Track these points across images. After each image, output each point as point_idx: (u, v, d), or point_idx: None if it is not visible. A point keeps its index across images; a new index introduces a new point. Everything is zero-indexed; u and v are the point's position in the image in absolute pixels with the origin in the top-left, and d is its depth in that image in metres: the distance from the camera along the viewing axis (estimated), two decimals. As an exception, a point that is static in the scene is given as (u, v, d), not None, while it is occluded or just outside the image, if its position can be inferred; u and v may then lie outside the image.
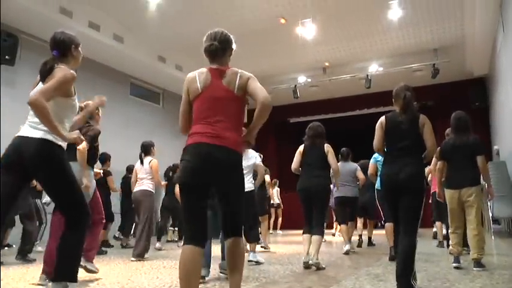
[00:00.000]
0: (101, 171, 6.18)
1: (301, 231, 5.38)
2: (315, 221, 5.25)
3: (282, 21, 10.68)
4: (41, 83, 3.05)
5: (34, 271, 4.93)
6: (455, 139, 4.73)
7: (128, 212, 8.61)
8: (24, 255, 5.93)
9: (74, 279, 2.96)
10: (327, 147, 5.32)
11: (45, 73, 3.03)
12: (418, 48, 12.55)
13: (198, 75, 2.67)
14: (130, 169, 8.87)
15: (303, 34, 10.92)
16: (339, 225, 7.11)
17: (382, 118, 3.74)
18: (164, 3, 9.69)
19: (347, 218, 7.13)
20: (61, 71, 2.98)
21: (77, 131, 3.14)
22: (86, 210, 3.05)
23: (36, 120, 2.89)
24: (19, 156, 2.90)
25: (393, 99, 3.76)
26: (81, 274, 4.48)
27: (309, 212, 5.26)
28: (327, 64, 13.66)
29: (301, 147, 5.49)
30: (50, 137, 2.90)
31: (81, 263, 4.11)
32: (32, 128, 2.94)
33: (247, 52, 11.39)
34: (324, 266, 5.01)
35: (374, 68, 13.44)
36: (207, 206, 2.61)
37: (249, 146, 2.79)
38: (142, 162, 6.67)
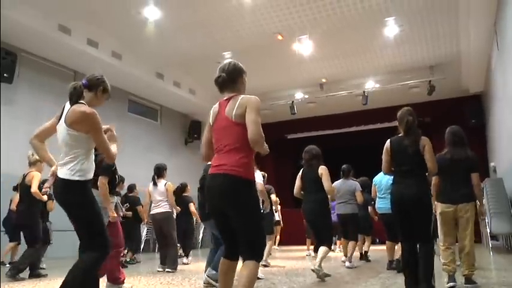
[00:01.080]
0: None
1: (299, 247, 5.53)
2: (321, 237, 5.64)
3: (279, 37, 10.79)
4: (61, 119, 3.17)
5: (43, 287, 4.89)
6: (453, 154, 4.68)
7: (130, 230, 8.53)
8: (15, 273, 5.87)
9: None
10: (321, 169, 5.48)
11: (74, 99, 3.19)
12: (414, 65, 12.68)
13: (213, 109, 2.93)
14: (131, 188, 8.92)
15: (300, 50, 11.02)
16: (339, 240, 7.20)
17: (388, 143, 4.09)
18: (162, 21, 9.79)
19: (347, 234, 7.25)
20: (90, 117, 3.07)
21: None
22: (105, 244, 3.08)
23: (62, 156, 3.07)
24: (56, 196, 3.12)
25: (398, 123, 4.08)
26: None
27: (315, 233, 5.77)
28: (324, 80, 13.76)
29: (300, 172, 5.82)
30: (68, 176, 2.99)
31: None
32: (59, 167, 3.08)
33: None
34: (328, 273, 5.33)
35: (371, 85, 13.53)
36: (229, 227, 2.76)
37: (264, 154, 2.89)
38: (155, 184, 6.97)
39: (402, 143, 3.93)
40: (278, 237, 14.08)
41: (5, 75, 9.03)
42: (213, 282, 4.61)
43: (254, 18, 9.98)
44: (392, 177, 5.95)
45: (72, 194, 3.00)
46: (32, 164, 6.19)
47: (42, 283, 5.47)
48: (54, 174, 3.13)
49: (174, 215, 8.81)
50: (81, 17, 9.75)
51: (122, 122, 12.52)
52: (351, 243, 7.22)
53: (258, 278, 5.49)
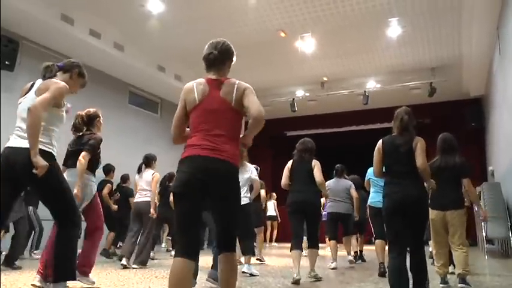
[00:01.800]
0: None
1: None
2: (309, 235, 5.35)
3: (282, 34, 10.78)
4: (31, 91, 3.19)
5: (26, 278, 4.91)
6: (441, 161, 4.70)
7: (124, 221, 8.53)
8: (11, 261, 5.86)
9: (73, 277, 3.18)
10: (315, 162, 5.38)
11: (48, 76, 3.23)
12: (415, 67, 12.68)
13: (195, 85, 2.65)
14: (124, 178, 8.90)
15: (302, 48, 11.01)
16: (329, 240, 7.11)
17: (379, 142, 3.81)
18: (166, 14, 9.76)
19: (336, 234, 7.17)
20: (55, 82, 3.11)
21: (45, 164, 3.00)
22: (76, 216, 3.18)
23: (25, 129, 3.00)
24: (10, 166, 3.00)
25: (393, 121, 3.85)
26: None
27: (298, 227, 5.35)
28: (325, 79, 13.75)
29: (289, 163, 5.59)
30: (41, 146, 3.00)
31: (77, 278, 4.11)
32: (20, 138, 3.05)
33: (247, 64, 11.47)
34: (321, 276, 5.24)
35: (372, 85, 13.53)
36: (200, 218, 2.55)
37: (243, 150, 2.80)
38: (139, 172, 6.82)
39: (394, 143, 3.69)
40: (275, 232, 14.16)
41: (6, 62, 9.01)
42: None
43: (257, 14, 9.96)
44: None
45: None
46: None
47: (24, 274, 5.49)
48: None
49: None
50: (84, 7, 9.72)
51: (122, 113, 12.52)
52: (345, 239, 7.35)
53: (252, 275, 5.50)
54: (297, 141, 5.73)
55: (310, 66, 12.63)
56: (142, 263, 6.44)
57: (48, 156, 3.06)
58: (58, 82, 3.14)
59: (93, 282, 4.39)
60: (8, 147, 3.09)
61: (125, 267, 6.22)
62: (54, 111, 3.13)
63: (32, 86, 3.25)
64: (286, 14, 9.94)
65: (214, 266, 4.55)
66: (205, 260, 5.53)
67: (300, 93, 14.46)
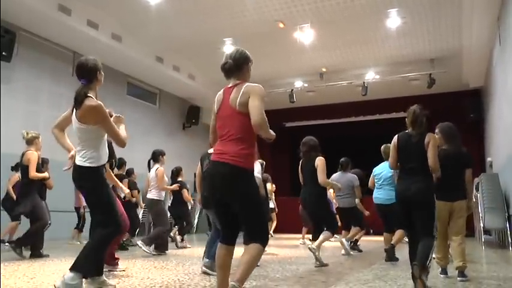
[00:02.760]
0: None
1: (294, 235, 5.65)
2: (322, 226, 5.79)
3: (281, 25, 10.72)
4: (74, 111, 3.43)
5: (25, 268, 4.93)
6: (449, 150, 4.67)
7: (127, 213, 8.54)
8: (19, 246, 5.95)
9: (87, 274, 3.42)
10: (318, 161, 5.49)
11: (79, 103, 3.37)
12: (415, 58, 12.64)
13: (217, 96, 2.97)
14: (129, 172, 8.94)
15: (301, 39, 10.96)
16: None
17: (395, 138, 4.08)
18: (164, 4, 9.70)
19: (348, 225, 7.58)
20: (98, 112, 3.34)
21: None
22: (118, 221, 3.52)
23: (77, 149, 3.44)
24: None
25: (406, 119, 4.08)
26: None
27: (314, 224, 6.01)
28: (324, 70, 13.71)
29: (300, 164, 5.93)
30: (81, 163, 3.37)
31: (109, 269, 4.57)
32: (77, 157, 3.44)
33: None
34: (321, 263, 5.44)
35: (371, 76, 13.49)
36: (229, 213, 2.88)
37: (270, 141, 3.00)
38: (149, 169, 7.09)
39: (407, 138, 3.96)
40: (274, 224, 14.19)
41: (3, 53, 8.96)
42: (210, 272, 4.54)
43: (256, 5, 9.90)
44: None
45: (84, 179, 3.39)
46: (29, 142, 6.15)
47: (37, 264, 5.50)
48: (73, 158, 3.46)
49: (169, 199, 8.88)
50: (82, -3, 9.67)
51: (121, 105, 12.47)
52: (344, 232, 7.56)
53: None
54: (296, 132, 5.94)
55: (309, 57, 12.58)
56: (146, 243, 6.70)
57: (88, 171, 3.39)
58: (92, 106, 3.34)
59: (124, 269, 4.81)
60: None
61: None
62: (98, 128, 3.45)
63: (74, 105, 3.46)
64: (285, 4, 9.88)
65: (206, 255, 4.86)
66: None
67: (298, 84, 14.43)
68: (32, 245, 6.21)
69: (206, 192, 3.05)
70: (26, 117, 9.56)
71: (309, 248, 5.50)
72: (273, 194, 13.55)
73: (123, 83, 13.02)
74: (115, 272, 4.71)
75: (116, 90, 12.37)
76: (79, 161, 3.37)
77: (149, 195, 6.96)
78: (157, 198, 6.99)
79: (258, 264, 5.65)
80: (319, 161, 5.53)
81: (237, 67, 2.93)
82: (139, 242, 6.63)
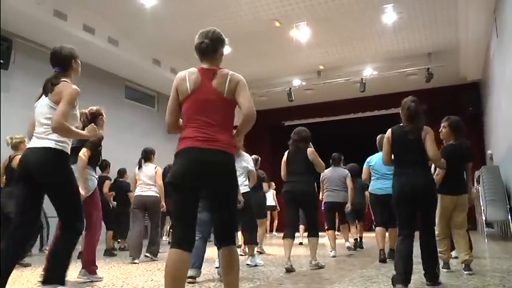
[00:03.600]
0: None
1: (295, 234, 5.46)
2: (308, 224, 5.38)
3: (277, 24, 10.72)
4: (43, 96, 3.27)
5: (28, 275, 4.93)
6: (456, 145, 4.67)
7: (121, 215, 8.52)
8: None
9: (63, 282, 3.11)
10: (310, 151, 5.35)
11: (48, 89, 3.24)
12: (412, 53, 12.63)
13: (188, 75, 2.64)
14: (121, 173, 8.87)
15: (298, 37, 10.96)
16: (327, 230, 7.13)
17: (389, 132, 3.91)
18: (159, 7, 9.70)
19: (335, 223, 7.33)
20: (66, 87, 3.17)
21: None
22: (81, 222, 3.26)
23: (41, 131, 3.13)
24: (26, 166, 3.10)
25: (400, 112, 3.93)
26: (75, 276, 4.47)
27: (291, 216, 5.39)
28: (321, 67, 13.71)
29: (285, 154, 5.61)
30: (53, 144, 3.09)
31: (83, 279, 4.29)
32: (37, 139, 3.15)
33: (242, 55, 11.43)
34: (323, 264, 5.25)
35: (368, 72, 13.49)
36: (197, 209, 2.55)
37: (237, 149, 2.82)
38: (140, 167, 6.85)
39: (403, 132, 3.79)
40: (276, 222, 14.18)
41: (0, 61, 8.96)
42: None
43: (251, 4, 9.90)
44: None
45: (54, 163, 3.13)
46: (15, 147, 6.11)
47: (40, 269, 5.50)
48: None
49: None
50: (77, 2, 9.65)
51: (119, 108, 12.49)
52: (343, 227, 7.49)
53: (256, 266, 5.53)
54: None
55: (306, 55, 12.58)
56: (154, 253, 6.59)
57: (61, 155, 3.15)
58: (68, 87, 3.20)
59: (101, 278, 4.42)
60: (27, 148, 3.23)
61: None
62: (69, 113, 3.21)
63: (44, 90, 3.31)
64: (280, 3, 9.88)
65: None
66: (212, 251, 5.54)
67: (296, 82, 14.42)
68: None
69: (179, 179, 2.46)
70: (25, 123, 9.51)
71: (311, 266, 5.31)
72: (274, 191, 13.57)
73: (121, 86, 13.02)
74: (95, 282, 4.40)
75: (114, 94, 12.37)
76: (47, 143, 3.10)
77: (151, 193, 6.75)
78: (159, 196, 6.88)
79: (262, 263, 5.67)
80: (312, 151, 5.38)
81: (213, 49, 2.68)
82: (147, 255, 6.52)
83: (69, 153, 3.24)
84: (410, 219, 3.68)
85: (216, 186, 2.52)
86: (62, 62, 3.34)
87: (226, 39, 2.83)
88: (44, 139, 3.11)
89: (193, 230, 2.50)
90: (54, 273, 3.13)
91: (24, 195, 3.11)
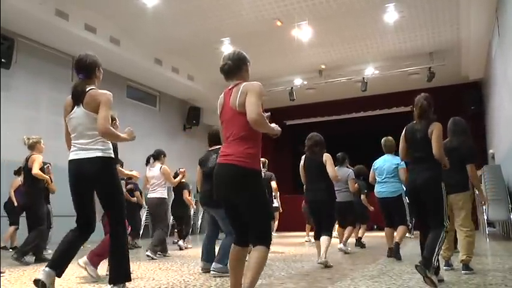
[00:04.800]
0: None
1: (297, 233, 5.54)
2: (325, 226, 5.53)
3: (278, 23, 10.71)
4: (77, 106, 3.35)
5: (31, 273, 4.93)
6: (451, 142, 4.71)
7: (130, 215, 8.56)
8: (20, 256, 5.88)
9: (129, 278, 3.34)
10: (325, 156, 5.45)
11: (79, 96, 3.33)
12: (413, 52, 12.61)
13: (219, 99, 2.98)
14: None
15: (299, 36, 10.94)
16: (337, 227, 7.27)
17: (405, 129, 4.09)
18: (160, 6, 9.70)
19: (344, 221, 7.39)
20: (103, 94, 3.34)
21: (129, 128, 3.66)
22: (124, 223, 3.43)
23: (84, 141, 3.29)
24: (80, 177, 3.28)
25: (414, 109, 4.06)
26: (78, 276, 4.48)
27: (318, 222, 5.59)
28: (323, 67, 13.70)
29: (302, 160, 5.74)
30: (101, 153, 3.28)
31: (82, 264, 4.26)
32: (82, 151, 3.29)
33: (248, 57, 11.41)
34: (331, 264, 5.28)
35: (370, 71, 13.47)
36: (238, 214, 2.89)
37: (276, 136, 3.01)
38: (147, 163, 7.10)
39: (413, 129, 3.95)
40: (277, 223, 14.16)
41: (2, 60, 8.97)
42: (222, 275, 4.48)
43: (253, 4, 9.89)
44: (396, 161, 6.12)
45: (103, 170, 3.31)
46: (31, 147, 6.19)
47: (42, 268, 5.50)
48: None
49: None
50: (79, 1, 9.66)
51: (121, 108, 12.48)
52: (348, 229, 7.39)
53: None
54: (297, 130, 5.82)
55: (308, 55, 12.58)
56: (154, 251, 6.63)
57: (110, 161, 3.34)
58: (104, 93, 3.35)
59: (98, 276, 4.38)
60: (75, 160, 3.32)
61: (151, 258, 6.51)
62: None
63: (74, 100, 3.37)
64: (281, 2, 9.87)
65: (205, 257, 4.95)
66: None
67: (298, 81, 14.42)
68: (34, 250, 6.18)
69: (213, 192, 2.96)
70: (26, 123, 9.57)
71: (319, 263, 5.30)
72: (278, 192, 13.55)
73: (123, 86, 13.03)
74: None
75: (116, 94, 12.23)
76: (94, 152, 3.26)
77: (154, 194, 6.87)
78: (164, 197, 6.97)
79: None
80: (328, 157, 5.48)
81: (237, 67, 2.95)
82: (148, 253, 6.52)
83: (114, 156, 3.42)
84: (421, 213, 3.91)
85: (232, 195, 2.85)
86: (87, 70, 3.45)
87: (247, 57, 3.06)
88: (91, 150, 3.27)
89: (242, 231, 2.92)
90: (120, 270, 3.29)
91: (79, 201, 3.38)
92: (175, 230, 9.83)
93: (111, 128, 3.25)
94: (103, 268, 4.43)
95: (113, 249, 3.33)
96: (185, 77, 13.56)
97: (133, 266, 5.61)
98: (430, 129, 3.79)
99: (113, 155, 3.39)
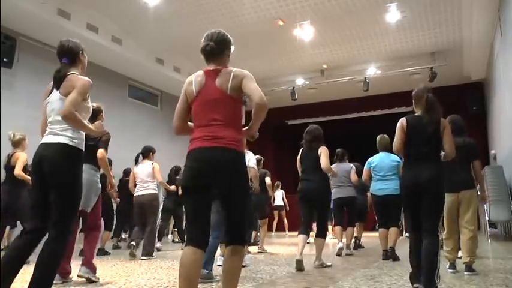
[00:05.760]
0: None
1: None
2: (317, 224, 5.39)
3: (280, 23, 10.72)
4: (55, 90, 3.17)
5: (31, 271, 4.93)
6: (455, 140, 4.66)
7: (123, 214, 8.56)
8: None
9: None
10: (321, 148, 5.35)
11: (60, 80, 3.16)
12: (416, 52, 12.60)
13: (194, 77, 2.69)
14: (127, 172, 8.92)
15: (301, 36, 10.95)
16: (335, 226, 7.10)
17: (403, 120, 3.68)
18: (162, 5, 9.71)
19: (343, 219, 7.16)
20: (79, 79, 3.14)
21: (99, 121, 3.40)
22: (73, 225, 3.08)
23: (55, 127, 3.05)
24: (40, 162, 3.00)
25: (414, 102, 3.72)
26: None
27: (307, 214, 5.40)
28: (325, 66, 13.70)
29: (300, 152, 5.61)
30: (67, 141, 3.02)
31: (83, 274, 4.19)
32: (51, 135, 3.07)
33: (245, 54, 11.42)
34: (329, 263, 5.27)
35: (372, 71, 13.47)
36: (210, 209, 2.57)
37: (253, 140, 2.84)
38: (136, 163, 6.96)
39: (421, 123, 3.55)
40: (286, 222, 14.11)
41: (4, 60, 8.98)
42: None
43: (255, 3, 9.90)
44: (395, 158, 5.98)
45: (69, 160, 3.01)
46: (16, 144, 6.03)
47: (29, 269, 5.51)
48: None
49: (162, 197, 8.81)
50: (80, 1, 9.68)
51: (122, 107, 12.52)
52: (349, 229, 7.19)
53: (245, 266, 5.41)
54: (298, 130, 5.71)
55: (310, 54, 12.58)
56: (149, 254, 6.52)
57: (75, 152, 3.07)
58: (80, 77, 3.18)
59: (98, 279, 4.34)
60: (41, 143, 3.11)
61: (132, 254, 6.41)
62: (80, 105, 3.12)
63: (54, 84, 3.21)
64: (283, 2, 9.87)
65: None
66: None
67: (300, 81, 14.42)
68: None
69: (189, 180, 2.54)
70: (28, 122, 9.55)
71: (315, 267, 5.28)
72: (282, 191, 13.56)
73: (125, 85, 13.05)
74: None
75: (118, 93, 12.39)
76: (62, 139, 3.00)
77: (147, 191, 6.76)
78: (157, 193, 6.89)
79: (249, 264, 5.61)
80: (323, 149, 5.38)
81: (219, 51, 2.70)
82: (143, 258, 6.40)
83: (83, 150, 3.15)
84: (417, 214, 3.53)
85: (222, 184, 2.51)
86: (69, 53, 3.32)
87: (232, 40, 2.82)
88: (58, 135, 3.04)
89: (206, 229, 2.52)
90: (43, 280, 2.87)
91: (36, 190, 3.04)
92: (174, 230, 9.82)
93: (76, 113, 2.97)
94: (104, 270, 4.42)
95: (45, 254, 2.86)
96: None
97: (134, 265, 5.62)
98: (443, 126, 3.53)
99: (81, 147, 3.09)
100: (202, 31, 2.87)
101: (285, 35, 11.19)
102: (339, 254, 6.65)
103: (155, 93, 14.55)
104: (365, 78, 13.45)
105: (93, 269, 4.32)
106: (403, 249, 6.14)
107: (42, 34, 9.99)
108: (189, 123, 2.75)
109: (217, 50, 2.69)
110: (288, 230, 14.10)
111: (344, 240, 7.04)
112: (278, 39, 11.62)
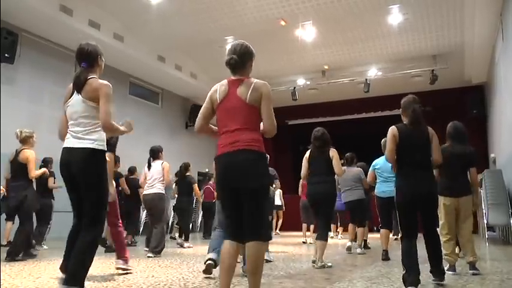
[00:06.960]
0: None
1: (298, 233, 5.52)
2: (320, 226, 5.52)
3: (282, 23, 10.72)
4: (75, 93, 3.28)
5: (30, 268, 4.96)
6: (454, 148, 4.72)
7: (130, 212, 8.57)
8: (12, 258, 5.60)
9: (83, 285, 3.00)
10: (332, 152, 5.43)
11: (81, 85, 3.26)
12: (417, 54, 12.60)
13: (219, 86, 2.90)
14: (131, 170, 8.97)
15: (303, 36, 10.95)
16: (349, 225, 7.59)
17: (394, 129, 3.84)
18: (165, 3, 9.71)
19: (356, 219, 7.50)
20: (102, 86, 3.28)
21: (126, 119, 3.63)
22: (103, 215, 3.26)
23: (78, 129, 3.19)
24: (68, 166, 3.16)
25: (401, 110, 3.95)
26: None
27: (316, 216, 5.58)
28: (326, 67, 13.71)
29: (307, 154, 5.66)
30: (94, 145, 3.16)
31: (121, 266, 4.63)
32: (75, 139, 3.19)
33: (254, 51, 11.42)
34: (330, 264, 5.31)
35: (373, 73, 13.47)
36: (241, 206, 2.74)
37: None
38: (149, 166, 7.00)
39: (411, 134, 3.76)
40: (280, 221, 14.13)
41: (6, 55, 8.99)
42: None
43: (257, 3, 9.90)
44: None
45: (93, 163, 3.17)
46: (23, 141, 6.05)
47: (43, 263, 5.53)
48: None
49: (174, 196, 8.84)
50: (83, -3, 9.69)
51: (123, 104, 12.51)
52: (359, 230, 7.42)
53: (267, 261, 5.48)
54: (299, 130, 5.78)
55: (311, 55, 12.58)
56: (159, 252, 6.63)
57: (100, 155, 3.20)
58: (103, 84, 3.28)
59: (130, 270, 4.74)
60: (66, 148, 3.22)
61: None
62: (97, 108, 3.24)
63: (75, 88, 3.29)
64: (286, 2, 9.88)
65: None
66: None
67: (301, 81, 14.43)
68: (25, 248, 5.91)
69: (219, 184, 2.87)
70: (30, 117, 9.59)
71: (316, 268, 5.29)
72: (280, 191, 13.55)
73: (126, 82, 13.05)
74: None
75: (118, 90, 12.38)
76: (87, 143, 3.12)
77: (152, 190, 6.82)
78: (163, 192, 6.93)
79: (272, 259, 5.73)
80: (334, 152, 5.44)
81: (242, 63, 2.90)
82: (150, 255, 6.44)
83: (105, 149, 3.28)
84: (413, 221, 3.76)
85: (244, 185, 2.70)
86: (89, 58, 3.40)
87: (254, 51, 3.01)
88: (82, 139, 3.16)
89: (239, 225, 2.75)
90: (78, 273, 2.99)
91: (71, 195, 3.25)
92: (176, 226, 9.84)
93: (113, 123, 3.19)
94: (103, 268, 4.44)
95: (80, 247, 3.05)
96: (188, 74, 13.58)
97: (133, 263, 5.63)
98: (431, 136, 3.80)
99: (105, 148, 3.25)
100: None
101: (287, 35, 11.19)
102: (348, 249, 7.15)
103: (156, 91, 14.55)
104: (366, 79, 13.45)
105: (127, 261, 4.74)
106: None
107: (44, 30, 10.00)
108: (210, 125, 3.00)
109: (240, 62, 2.90)
110: (281, 230, 14.10)
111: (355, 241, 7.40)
112: (280, 39, 11.62)
